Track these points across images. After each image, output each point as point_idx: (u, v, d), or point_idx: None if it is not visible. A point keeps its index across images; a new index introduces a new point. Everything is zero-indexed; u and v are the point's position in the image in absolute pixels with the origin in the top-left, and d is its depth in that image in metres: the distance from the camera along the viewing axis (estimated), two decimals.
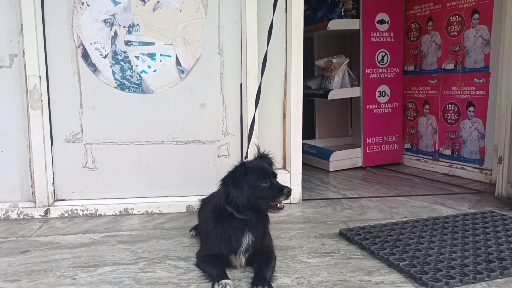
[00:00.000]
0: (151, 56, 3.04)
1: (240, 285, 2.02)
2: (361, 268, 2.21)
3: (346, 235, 2.62)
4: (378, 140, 4.90)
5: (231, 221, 2.09)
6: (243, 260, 2.13)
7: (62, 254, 2.38)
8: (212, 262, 2.10)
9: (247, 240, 2.09)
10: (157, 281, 2.06)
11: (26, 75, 2.88)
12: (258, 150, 2.30)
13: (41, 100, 2.92)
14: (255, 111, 2.82)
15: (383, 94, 4.87)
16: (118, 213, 3.08)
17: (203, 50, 3.10)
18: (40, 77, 2.89)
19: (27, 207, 3.00)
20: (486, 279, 2.04)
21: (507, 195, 3.43)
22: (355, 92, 4.83)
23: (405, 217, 3.03)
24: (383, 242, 2.46)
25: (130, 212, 3.09)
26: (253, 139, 3.03)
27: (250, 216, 2.09)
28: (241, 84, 3.15)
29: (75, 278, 2.09)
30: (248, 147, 2.67)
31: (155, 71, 3.05)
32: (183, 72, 3.08)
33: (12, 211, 2.98)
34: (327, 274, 2.14)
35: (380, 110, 4.88)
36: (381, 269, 2.19)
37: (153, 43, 3.04)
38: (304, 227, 2.82)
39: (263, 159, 2.26)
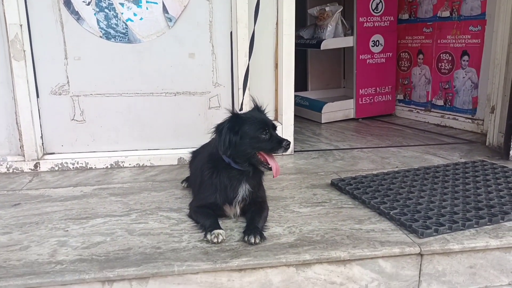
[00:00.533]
0: (137, 3, 2.91)
1: (232, 234, 2.04)
2: (352, 217, 2.23)
3: (338, 185, 2.63)
4: (371, 91, 4.85)
5: (228, 172, 2.08)
6: (238, 210, 2.14)
7: (53, 207, 2.37)
8: (205, 213, 2.10)
9: (243, 190, 2.09)
10: (149, 232, 2.07)
11: (6, 24, 2.75)
12: (255, 103, 2.25)
13: (24, 51, 2.81)
14: (248, 61, 2.74)
15: (377, 44, 4.76)
16: (109, 166, 3.05)
17: None
18: (21, 25, 2.76)
19: (16, 161, 2.96)
20: (475, 226, 2.07)
21: (498, 144, 3.44)
22: (348, 41, 4.72)
23: (396, 167, 3.04)
24: (374, 192, 2.48)
25: (121, 165, 3.06)
26: (247, 90, 2.98)
27: (247, 167, 2.08)
28: (231, 32, 3.05)
29: (67, 230, 2.08)
30: (243, 98, 2.62)
31: (141, 19, 2.92)
32: (170, 20, 2.96)
33: (1, 165, 2.94)
34: (318, 223, 2.15)
35: (374, 61, 4.80)
36: (371, 218, 2.21)
37: None
38: (296, 178, 2.83)
39: (259, 111, 2.21)
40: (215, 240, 1.94)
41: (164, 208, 2.36)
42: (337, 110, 4.76)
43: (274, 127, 2.11)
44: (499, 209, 2.20)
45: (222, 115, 3.09)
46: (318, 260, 1.87)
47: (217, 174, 2.08)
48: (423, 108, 4.76)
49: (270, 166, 2.05)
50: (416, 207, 2.25)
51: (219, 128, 2.07)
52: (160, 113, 3.09)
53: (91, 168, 3.03)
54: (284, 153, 3.23)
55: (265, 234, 2.00)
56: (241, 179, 2.09)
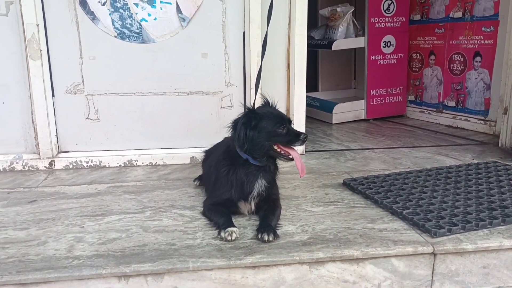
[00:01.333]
0: (151, 3, 2.94)
1: (245, 232, 2.05)
2: (364, 216, 2.24)
3: (350, 185, 2.63)
4: (382, 92, 4.85)
5: (246, 167, 2.11)
6: (253, 206, 2.16)
7: (69, 204, 2.41)
8: (219, 211, 2.12)
9: (259, 185, 2.12)
10: (163, 229, 2.09)
11: (23, 24, 2.80)
12: (265, 100, 2.27)
13: (40, 50, 2.85)
14: (261, 61, 2.76)
15: (388, 45, 4.76)
16: (123, 165, 3.09)
17: None
18: (38, 25, 2.81)
19: (31, 159, 3.01)
20: (488, 226, 2.06)
21: (511, 145, 3.42)
22: (359, 42, 4.73)
23: (408, 167, 3.04)
24: (387, 192, 2.48)
25: (135, 163, 3.10)
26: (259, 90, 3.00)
27: (265, 161, 2.12)
28: (243, 32, 3.07)
29: (83, 227, 2.12)
30: (255, 98, 2.63)
31: (155, 19, 2.96)
32: (184, 20, 2.99)
33: (17, 162, 2.99)
34: (331, 222, 2.17)
35: (385, 61, 4.79)
36: (384, 217, 2.22)
37: None
38: (307, 178, 2.84)
39: (271, 107, 2.25)
40: (229, 237, 1.96)
41: (177, 206, 2.39)
42: (348, 110, 4.77)
43: (290, 122, 2.16)
44: None
45: (234, 115, 3.11)
46: (331, 258, 1.88)
47: (234, 171, 2.11)
48: (435, 109, 4.74)
49: (291, 156, 2.10)
50: (429, 207, 2.25)
51: (234, 123, 2.11)
52: (173, 113, 3.12)
53: (104, 167, 3.07)
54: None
55: (278, 232, 2.02)
56: (258, 175, 2.12)
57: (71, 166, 3.04)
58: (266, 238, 1.94)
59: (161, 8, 2.94)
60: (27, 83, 2.92)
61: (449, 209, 2.21)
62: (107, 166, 3.07)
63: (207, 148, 2.72)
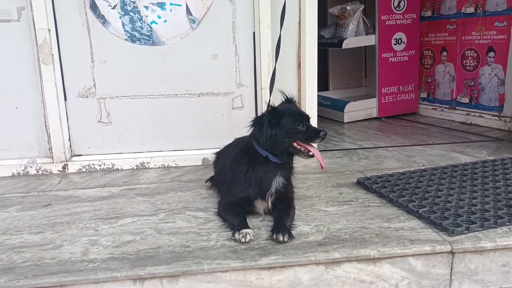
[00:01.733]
0: (161, 5, 2.94)
1: (259, 233, 2.04)
2: (380, 215, 2.21)
3: (364, 184, 2.60)
4: (394, 89, 4.80)
5: (265, 165, 2.11)
6: (270, 204, 2.15)
7: (83, 207, 2.41)
8: (234, 211, 2.11)
9: (277, 182, 2.12)
10: (177, 231, 2.08)
11: (35, 29, 2.82)
12: (285, 96, 2.27)
13: (52, 55, 2.87)
14: (275, 62, 2.75)
15: (399, 42, 4.71)
16: (135, 167, 3.09)
17: None
18: (49, 30, 2.83)
19: (45, 163, 3.03)
20: (507, 223, 2.02)
21: None
22: (370, 40, 4.68)
23: (423, 165, 3.00)
24: (402, 190, 2.45)
25: (147, 166, 3.10)
26: (267, 90, 3.00)
27: (285, 159, 2.13)
28: (253, 33, 3.06)
29: (98, 230, 2.12)
30: (270, 97, 2.62)
31: (165, 21, 2.96)
32: (194, 21, 2.99)
33: (31, 167, 3.01)
34: (346, 222, 2.14)
35: (396, 59, 4.74)
36: (400, 216, 2.18)
37: None
38: (320, 177, 2.81)
39: (290, 103, 2.25)
40: (243, 239, 1.94)
41: (191, 207, 2.38)
42: (360, 109, 4.73)
43: (309, 119, 2.18)
44: None
45: (245, 115, 3.15)
46: (347, 258, 1.85)
47: (253, 168, 2.11)
48: (448, 106, 4.68)
49: (311, 153, 2.12)
50: (445, 205, 2.21)
51: (259, 122, 2.12)
52: (184, 114, 3.11)
53: (117, 169, 3.08)
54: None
55: (293, 232, 2.00)
56: (276, 172, 2.12)
57: (84, 170, 3.05)
58: (281, 238, 1.92)
59: (171, 10, 2.94)
60: (39, 87, 2.94)
61: (466, 207, 2.17)
62: (119, 169, 3.08)
63: (218, 150, 2.72)
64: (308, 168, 3.01)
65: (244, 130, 2.91)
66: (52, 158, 3.02)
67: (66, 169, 3.03)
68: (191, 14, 2.97)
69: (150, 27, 2.95)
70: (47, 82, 2.89)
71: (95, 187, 2.75)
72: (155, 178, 2.91)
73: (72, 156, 3.07)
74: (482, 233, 1.96)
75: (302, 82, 3.25)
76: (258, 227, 2.10)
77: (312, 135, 2.11)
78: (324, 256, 1.84)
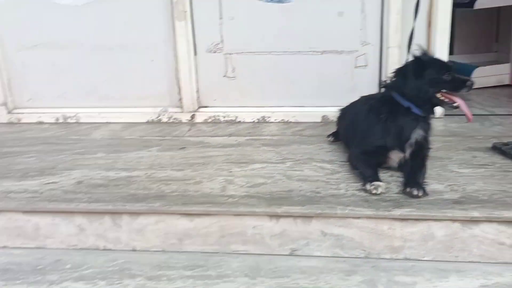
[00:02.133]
0: None
1: (390, 187, 2.02)
2: None
3: (501, 149, 2.43)
4: None
5: (406, 115, 2.08)
6: (407, 155, 2.10)
7: (214, 152, 2.58)
8: (367, 162, 2.12)
9: (417, 134, 2.08)
10: (306, 178, 2.14)
11: None
12: (422, 49, 2.15)
13: (185, 12, 3.04)
14: (414, 21, 2.64)
15: None
16: (256, 121, 3.21)
17: None
18: None
19: (175, 112, 3.27)
20: None
21: None
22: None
23: None
24: None
25: (267, 120, 3.20)
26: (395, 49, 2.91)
27: (428, 111, 2.09)
28: None
29: (231, 171, 2.26)
30: (407, 57, 2.54)
31: None
32: None
33: (163, 115, 3.27)
34: (483, 184, 2.03)
35: None
36: None
37: None
38: (450, 140, 2.68)
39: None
40: (374, 191, 1.94)
41: (316, 159, 2.42)
42: (490, 75, 4.36)
43: (454, 69, 2.08)
44: None
45: (369, 74, 3.09)
46: (487, 218, 1.77)
47: (394, 118, 2.07)
48: None
49: (455, 104, 2.05)
50: None
51: (403, 71, 2.09)
52: (307, 71, 3.13)
53: (239, 122, 3.22)
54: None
55: (426, 189, 1.95)
56: (417, 124, 2.08)
57: (209, 120, 3.24)
58: (415, 192, 1.89)
59: None
60: (171, 42, 3.14)
61: None
62: (242, 121, 3.22)
63: (342, 107, 2.70)
64: (435, 131, 2.85)
65: (366, 89, 2.89)
66: (182, 108, 3.24)
67: (194, 119, 3.25)
68: None
69: None
70: (180, 37, 3.08)
71: (222, 135, 2.92)
72: (277, 131, 3.00)
73: (199, 107, 3.27)
74: None
75: (432, 43, 3.07)
76: (388, 181, 2.08)
77: (459, 84, 2.02)
78: (463, 214, 1.78)
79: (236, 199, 1.93)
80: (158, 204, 1.91)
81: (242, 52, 3.14)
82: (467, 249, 1.82)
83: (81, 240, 2.00)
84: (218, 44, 3.14)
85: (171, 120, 3.27)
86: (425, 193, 1.91)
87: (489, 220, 1.78)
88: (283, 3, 3.03)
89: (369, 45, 3.06)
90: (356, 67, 3.11)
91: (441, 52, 3.04)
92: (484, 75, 4.31)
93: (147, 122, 3.28)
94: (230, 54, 3.15)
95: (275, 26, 3.07)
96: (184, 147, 2.67)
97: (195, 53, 3.16)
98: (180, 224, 1.92)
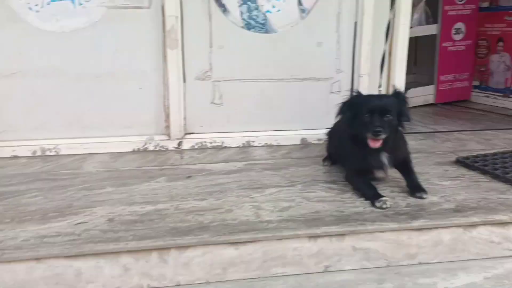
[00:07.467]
0: None
1: (397, 202, 2.34)
2: (492, 188, 2.51)
3: (465, 163, 2.91)
4: (451, 77, 5.08)
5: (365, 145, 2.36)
6: (387, 173, 2.48)
7: (223, 178, 2.71)
8: (363, 181, 2.44)
9: (384, 158, 2.41)
10: (323, 199, 2.38)
11: (164, 16, 3.09)
12: (394, 88, 2.55)
13: (177, 40, 3.14)
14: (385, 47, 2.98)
15: (459, 32, 4.97)
16: (242, 145, 3.39)
17: None
18: (176, 17, 3.09)
19: (162, 140, 3.32)
20: None
21: None
22: (432, 29, 4.95)
23: (505, 147, 3.29)
24: (503, 168, 2.75)
25: (252, 144, 3.40)
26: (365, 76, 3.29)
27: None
28: (355, 22, 3.33)
29: (252, 197, 2.42)
30: (379, 82, 2.91)
31: (278, 10, 3.23)
32: (304, 11, 3.26)
33: (150, 143, 3.30)
34: (466, 194, 2.44)
35: (454, 48, 5.02)
36: (511, 189, 2.49)
37: None
38: (418, 157, 3.06)
39: (397, 96, 2.47)
40: (384, 206, 2.26)
41: (319, 180, 2.67)
42: (419, 95, 5.01)
43: (382, 111, 2.30)
44: None
45: (341, 99, 3.43)
46: (483, 222, 2.17)
47: (361, 146, 2.37)
48: (501, 94, 4.96)
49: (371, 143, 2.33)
50: None
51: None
52: (288, 97, 3.40)
53: (226, 147, 3.37)
54: None
55: (425, 202, 2.32)
56: (379, 150, 2.37)
57: (196, 147, 3.35)
58: (424, 196, 2.35)
59: (284, 0, 3.21)
60: (161, 70, 3.21)
61: None
62: (228, 146, 3.38)
63: (328, 130, 3.01)
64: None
65: None
66: (169, 135, 3.31)
67: (181, 146, 3.33)
68: (301, 4, 3.25)
69: (265, 16, 3.23)
70: (171, 65, 3.17)
71: (219, 162, 3.04)
72: (266, 154, 3.21)
73: (185, 134, 3.36)
74: None
75: (392, 70, 3.53)
76: (392, 197, 2.40)
77: (368, 129, 2.28)
78: (465, 220, 2.16)
79: (275, 224, 2.10)
80: (207, 236, 2.00)
81: (229, 80, 3.32)
82: (466, 249, 2.20)
83: (124, 281, 1.98)
84: (207, 71, 3.28)
85: (157, 148, 3.32)
86: (426, 192, 2.38)
87: (484, 223, 2.18)
88: (269, 33, 3.28)
89: (343, 72, 3.43)
90: (331, 92, 3.45)
91: (400, 77, 3.51)
92: (415, 96, 4.94)
93: (133, 151, 3.28)
94: (218, 81, 3.31)
95: (261, 55, 3.30)
96: (190, 176, 2.76)
97: (184, 81, 3.27)
98: (225, 253, 2.02)
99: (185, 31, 3.17)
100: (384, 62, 2.97)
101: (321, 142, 3.42)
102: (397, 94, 2.49)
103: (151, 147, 3.32)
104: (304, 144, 3.45)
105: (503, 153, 3.09)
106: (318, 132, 3.42)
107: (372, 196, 2.34)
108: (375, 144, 2.31)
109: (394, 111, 2.33)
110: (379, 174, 2.52)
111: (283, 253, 2.08)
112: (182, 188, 2.57)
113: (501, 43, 4.93)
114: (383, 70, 3.01)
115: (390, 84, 3.56)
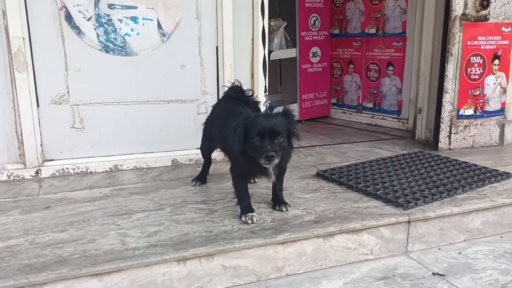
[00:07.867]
0: (134, 19, 3.15)
1: (263, 218, 2.45)
2: (347, 198, 2.77)
3: (324, 175, 3.16)
4: (311, 96, 5.52)
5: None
6: (273, 178, 2.48)
7: (86, 207, 2.56)
8: (246, 192, 2.47)
9: (271, 169, 2.41)
10: (193, 220, 2.39)
11: (8, 37, 2.83)
12: (284, 108, 2.46)
13: (26, 63, 2.90)
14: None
15: (315, 55, 5.44)
16: (109, 170, 3.24)
17: (183, 14, 3.29)
18: (24, 39, 2.86)
19: (16, 169, 3.02)
20: (439, 199, 2.73)
21: (426, 138, 4.27)
22: (292, 53, 5.33)
23: (358, 159, 3.67)
24: (355, 179, 3.05)
25: (120, 168, 3.27)
26: None
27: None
28: (217, 47, 3.43)
29: (118, 224, 2.32)
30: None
31: (138, 34, 3.18)
32: (164, 35, 3.26)
33: (2, 173, 2.98)
34: (324, 205, 2.66)
35: (313, 69, 5.47)
36: (362, 198, 2.77)
37: (135, 7, 3.15)
38: None
39: (285, 115, 2.41)
40: (250, 221, 2.36)
41: (189, 201, 2.68)
42: None
43: (272, 134, 2.23)
44: (450, 186, 2.91)
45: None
46: (340, 231, 2.37)
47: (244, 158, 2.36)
48: (355, 110, 5.54)
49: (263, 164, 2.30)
50: (393, 188, 2.86)
51: (231, 126, 2.29)
52: (155, 119, 3.35)
53: (91, 172, 3.19)
54: None
55: (289, 215, 2.46)
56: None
57: (57, 174, 3.11)
58: (284, 209, 2.51)
59: (143, 24, 3.18)
60: (10, 94, 2.94)
61: (408, 188, 2.85)
62: (93, 172, 3.20)
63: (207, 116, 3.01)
64: None
65: None
66: (24, 163, 3.02)
67: (39, 174, 3.06)
68: (161, 28, 3.24)
69: (124, 39, 3.15)
70: (20, 89, 2.91)
71: (82, 189, 2.87)
72: (135, 178, 3.11)
73: (44, 161, 3.10)
74: (426, 207, 2.62)
75: (256, 89, 3.71)
76: (259, 213, 2.50)
77: (259, 153, 2.22)
78: (324, 231, 2.33)
79: (141, 250, 2.04)
80: (66, 270, 1.86)
81: (90, 103, 3.15)
82: (327, 258, 2.38)
83: None
84: (64, 95, 3.08)
85: (11, 178, 3.01)
86: (289, 206, 2.54)
87: (341, 232, 2.38)
88: (130, 56, 3.20)
89: (208, 94, 3.50)
90: (198, 114, 3.49)
91: (260, 96, 3.69)
92: None
93: None
94: (77, 105, 3.12)
95: (122, 78, 3.21)
96: (49, 206, 2.55)
97: (38, 105, 3.02)
98: (89, 286, 1.92)
99: (35, 53, 2.95)
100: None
101: (192, 162, 3.44)
102: (285, 113, 2.42)
103: (3, 177, 3.00)
104: (175, 165, 3.43)
105: (356, 164, 3.43)
106: (188, 153, 3.45)
107: (244, 208, 2.41)
108: (268, 165, 2.30)
109: (284, 132, 2.28)
110: (264, 179, 2.53)
111: (152, 279, 2.03)
112: (38, 220, 2.36)
113: (351, 65, 5.51)
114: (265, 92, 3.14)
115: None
